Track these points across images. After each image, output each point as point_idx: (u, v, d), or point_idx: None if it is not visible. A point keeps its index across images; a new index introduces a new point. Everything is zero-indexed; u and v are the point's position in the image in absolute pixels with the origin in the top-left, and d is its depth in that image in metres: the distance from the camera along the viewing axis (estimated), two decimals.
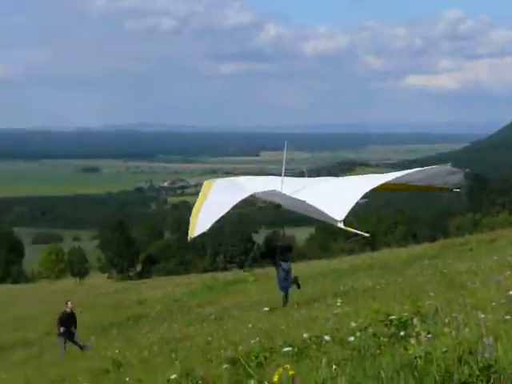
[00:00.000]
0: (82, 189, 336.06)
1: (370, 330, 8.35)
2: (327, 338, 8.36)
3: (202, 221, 18.61)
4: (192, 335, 19.03)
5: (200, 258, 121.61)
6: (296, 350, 8.54)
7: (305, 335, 8.89)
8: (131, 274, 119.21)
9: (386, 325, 8.28)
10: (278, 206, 21.01)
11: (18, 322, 37.36)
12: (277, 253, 20.98)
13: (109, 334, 25.46)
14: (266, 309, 18.76)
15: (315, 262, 50.24)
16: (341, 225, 18.22)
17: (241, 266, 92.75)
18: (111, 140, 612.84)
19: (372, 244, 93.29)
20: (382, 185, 20.78)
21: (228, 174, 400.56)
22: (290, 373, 4.77)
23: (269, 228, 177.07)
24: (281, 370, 4.57)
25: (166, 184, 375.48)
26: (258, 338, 11.20)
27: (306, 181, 22.14)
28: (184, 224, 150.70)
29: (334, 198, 18.98)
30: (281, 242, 21.50)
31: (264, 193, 20.26)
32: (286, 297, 21.32)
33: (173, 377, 7.44)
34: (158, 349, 17.03)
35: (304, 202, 18.59)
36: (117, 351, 17.78)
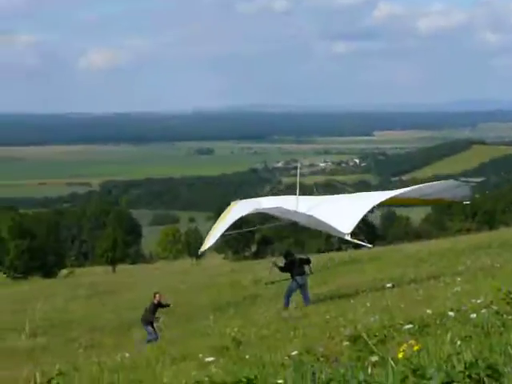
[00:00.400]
0: (197, 170, 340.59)
1: (493, 307, 8.22)
2: (451, 313, 8.27)
3: (211, 237, 21.52)
4: (309, 314, 19.11)
5: (314, 238, 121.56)
6: (416, 327, 8.49)
7: (428, 311, 8.81)
8: (246, 254, 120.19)
9: (507, 303, 8.14)
10: (295, 224, 23.15)
11: (136, 302, 38.18)
12: (295, 266, 22.12)
13: (226, 313, 25.80)
14: (389, 285, 18.86)
15: (432, 241, 49.58)
16: (348, 237, 20.15)
17: (355, 247, 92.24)
18: (225, 121, 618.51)
19: (490, 223, 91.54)
20: (392, 198, 23.36)
21: (341, 153, 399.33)
22: (415, 348, 4.74)
23: (381, 207, 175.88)
24: (405, 345, 4.55)
25: (279, 165, 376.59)
26: (377, 316, 11.17)
27: (320, 199, 24.51)
28: None
29: (344, 212, 20.85)
30: (300, 256, 22.76)
31: (270, 209, 22.67)
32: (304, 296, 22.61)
33: (294, 353, 7.50)
34: (276, 327, 17.17)
35: (311, 216, 20.57)
36: (235, 329, 18.00)
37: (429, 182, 24.29)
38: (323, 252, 79.64)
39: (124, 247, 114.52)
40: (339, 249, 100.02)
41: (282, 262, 23.00)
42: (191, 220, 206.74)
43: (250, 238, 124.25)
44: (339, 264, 42.02)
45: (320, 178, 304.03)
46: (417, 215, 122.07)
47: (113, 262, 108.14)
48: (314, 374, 5.84)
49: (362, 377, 4.99)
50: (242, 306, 27.60)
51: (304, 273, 22.44)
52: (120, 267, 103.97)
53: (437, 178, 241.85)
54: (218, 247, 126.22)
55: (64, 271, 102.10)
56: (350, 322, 11.96)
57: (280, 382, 5.70)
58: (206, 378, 5.70)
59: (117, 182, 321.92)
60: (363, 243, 20.83)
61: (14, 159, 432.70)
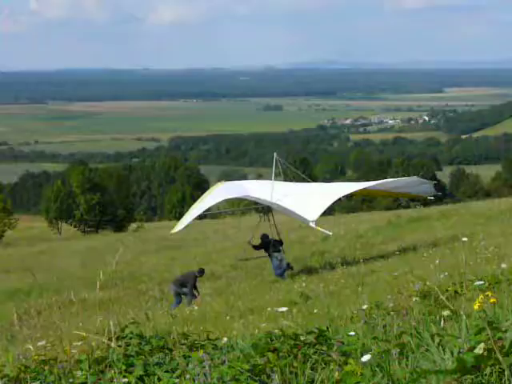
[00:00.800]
0: (266, 127, 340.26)
1: None
2: None
3: (188, 216, 24.51)
4: (377, 270, 19.09)
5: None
6: (487, 284, 8.42)
7: (499, 268, 8.72)
8: None
9: None
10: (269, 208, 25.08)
11: (205, 257, 38.57)
12: (270, 246, 24.08)
13: (294, 269, 25.86)
14: (459, 242, 18.76)
15: (502, 199, 48.84)
16: (313, 224, 22.11)
17: (424, 204, 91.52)
18: (294, 78, 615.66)
19: None
20: (361, 190, 25.96)
21: (411, 111, 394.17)
22: (492, 300, 4.69)
23: (452, 165, 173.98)
24: (481, 296, 4.50)
25: (348, 121, 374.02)
26: (446, 273, 11.09)
27: (293, 186, 26.35)
28: (366, 162, 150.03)
29: (311, 201, 22.91)
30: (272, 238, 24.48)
31: (247, 196, 25.49)
32: (289, 268, 24.23)
33: (364, 307, 7.51)
34: (344, 282, 17.21)
35: (279, 205, 23.21)
36: (303, 284, 18.08)
37: (499, 139, 24.93)
38: (390, 210, 79.22)
39: (192, 202, 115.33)
40: (407, 206, 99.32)
41: (257, 242, 24.73)
42: (259, 176, 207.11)
43: None
44: (407, 221, 41.71)
45: (388, 135, 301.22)
46: (487, 172, 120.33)
47: (181, 217, 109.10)
48: (384, 326, 5.86)
49: (434, 330, 4.99)
50: (309, 262, 27.65)
51: (280, 251, 24.38)
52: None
53: (507, 136, 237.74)
54: None
55: (133, 225, 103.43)
56: (419, 278, 11.90)
57: (351, 334, 5.73)
58: (277, 330, 5.74)
59: (186, 138, 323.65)
60: (325, 231, 22.68)
61: (89, 114, 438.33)
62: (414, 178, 28.17)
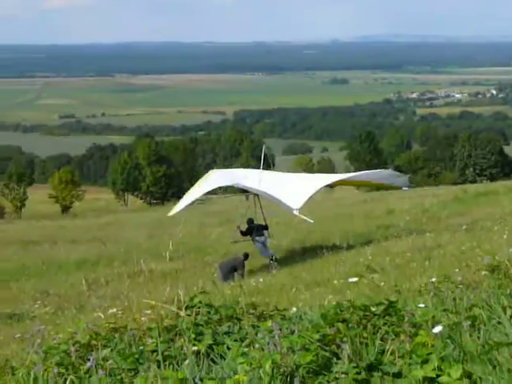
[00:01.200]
0: (331, 100, 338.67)
1: None
2: None
3: (183, 201, 26.47)
4: (444, 244, 18.92)
5: (449, 170, 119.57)
6: None
7: None
8: None
9: None
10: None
11: (271, 229, 38.60)
12: (253, 231, 25.56)
13: (359, 242, 25.79)
14: None
15: None
16: (296, 212, 23.40)
17: (491, 179, 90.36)
18: (361, 51, 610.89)
19: None
20: (341, 181, 28.61)
21: (478, 84, 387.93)
22: None
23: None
24: None
25: (414, 95, 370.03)
26: None
27: (281, 176, 28.59)
28: (432, 136, 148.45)
29: (295, 190, 24.33)
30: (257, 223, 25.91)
31: (238, 184, 26.89)
32: (272, 260, 24.65)
33: (433, 280, 7.45)
34: (411, 256, 17.10)
35: (265, 193, 24.52)
36: (369, 257, 18.02)
37: None
38: (456, 184, 78.39)
39: None
40: (474, 181, 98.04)
41: (244, 227, 25.92)
42: (324, 150, 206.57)
43: (382, 168, 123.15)
44: (474, 196, 41.23)
45: (455, 109, 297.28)
46: None
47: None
48: (454, 299, 5.81)
49: (505, 303, 4.93)
50: (375, 235, 27.51)
51: (262, 235, 25.84)
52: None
53: None
54: None
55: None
56: (487, 252, 11.76)
57: (421, 306, 5.71)
58: (345, 302, 5.73)
59: (251, 111, 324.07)
60: (307, 218, 23.37)
61: (155, 87, 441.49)
62: (391, 172, 31.11)
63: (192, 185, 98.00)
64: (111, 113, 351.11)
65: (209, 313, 6.21)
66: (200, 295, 6.58)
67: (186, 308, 6.19)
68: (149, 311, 6.58)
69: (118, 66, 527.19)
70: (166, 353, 5.56)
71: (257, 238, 25.76)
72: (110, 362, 5.51)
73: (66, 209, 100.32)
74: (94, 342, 6.12)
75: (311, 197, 24.63)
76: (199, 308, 6.28)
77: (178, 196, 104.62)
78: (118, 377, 5.39)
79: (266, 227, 26.47)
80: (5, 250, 40.94)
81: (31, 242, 44.23)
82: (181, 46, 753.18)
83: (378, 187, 31.04)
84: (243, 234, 26.10)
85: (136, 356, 5.58)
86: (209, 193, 27.38)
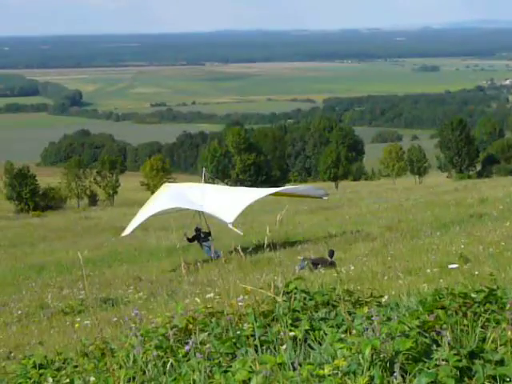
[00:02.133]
0: (422, 87, 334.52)
1: None
2: None
3: (131, 224, 28.86)
4: None
5: None
6: None
7: None
8: (471, 173, 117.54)
9: None
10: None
11: (360, 217, 38.44)
12: (199, 238, 28.56)
13: (451, 231, 25.45)
14: None
15: None
16: (230, 226, 26.94)
17: None
18: (452, 38, 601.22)
19: None
20: (272, 194, 33.32)
21: None
22: None
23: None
24: None
25: (507, 82, 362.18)
26: None
27: (215, 190, 31.52)
28: None
29: (228, 205, 27.69)
30: (203, 230, 28.77)
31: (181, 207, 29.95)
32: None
33: None
34: (505, 246, 16.78)
35: (204, 211, 28.39)
36: (462, 246, 17.77)
37: None
38: None
39: (346, 164, 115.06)
40: None
41: (191, 234, 28.82)
42: (414, 137, 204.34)
43: (474, 157, 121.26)
44: None
45: None
46: None
47: (335, 178, 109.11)
48: None
49: None
50: (467, 224, 27.08)
51: (208, 240, 28.41)
52: (342, 183, 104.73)
53: None
54: (442, 166, 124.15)
55: (288, 186, 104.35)
56: None
57: None
58: (443, 289, 5.68)
59: (340, 99, 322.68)
60: (238, 231, 26.71)
61: (245, 75, 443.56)
62: (310, 186, 39.00)
63: (282, 172, 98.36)
64: (201, 101, 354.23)
65: (305, 299, 6.23)
66: (296, 281, 6.61)
67: (282, 294, 6.23)
68: (245, 297, 6.63)
69: (209, 55, 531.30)
70: (262, 338, 5.60)
71: (204, 243, 28.65)
72: (208, 346, 5.58)
73: None
74: (191, 326, 6.21)
75: (243, 210, 28.40)
76: (295, 294, 6.31)
77: (267, 184, 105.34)
78: (216, 361, 5.46)
79: (209, 233, 29.18)
80: (98, 236, 41.82)
81: (123, 229, 45.03)
82: (271, 34, 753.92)
83: (305, 197, 36.48)
84: (189, 240, 29.07)
85: (233, 340, 5.64)
86: None
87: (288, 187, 36.05)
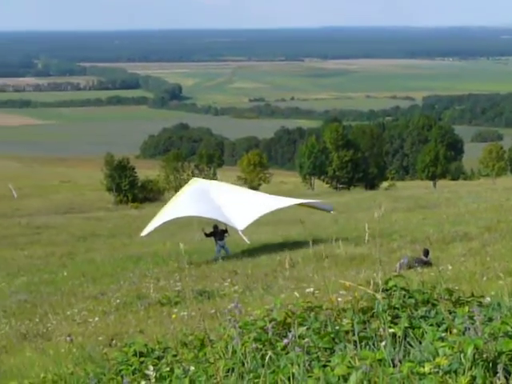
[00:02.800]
0: None
1: None
2: None
3: (152, 224, 30.52)
4: None
5: None
6: None
7: None
8: None
9: None
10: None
11: (458, 217, 37.89)
12: (216, 234, 30.24)
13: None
14: None
15: None
16: (241, 233, 28.82)
17: None
18: None
19: None
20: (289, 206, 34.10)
21: None
22: None
23: None
24: None
25: None
26: None
27: (232, 195, 31.58)
28: None
29: (242, 211, 29.32)
30: (221, 228, 30.13)
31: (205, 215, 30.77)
32: (225, 251, 30.09)
33: None
34: None
35: (217, 219, 29.65)
36: None
37: None
38: None
39: (445, 163, 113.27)
40: None
41: (208, 230, 30.36)
42: None
43: None
44: None
45: None
46: None
47: (433, 177, 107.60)
48: None
49: None
50: None
51: (223, 239, 30.29)
52: (440, 182, 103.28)
53: None
54: None
55: (385, 183, 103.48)
56: None
57: None
58: None
59: (440, 97, 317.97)
60: (246, 239, 28.88)
61: (344, 72, 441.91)
62: (318, 201, 41.20)
63: (379, 170, 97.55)
64: (300, 97, 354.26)
65: (404, 296, 6.20)
66: (395, 279, 6.58)
67: (382, 291, 6.21)
68: (343, 292, 6.64)
69: (309, 51, 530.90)
70: (361, 334, 5.61)
71: (219, 241, 30.43)
72: (306, 340, 5.61)
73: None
74: (289, 320, 6.25)
75: (257, 219, 30.13)
76: (394, 291, 6.28)
77: (364, 181, 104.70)
78: (315, 355, 5.49)
79: (226, 231, 30.58)
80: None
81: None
82: (372, 31, 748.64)
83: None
84: (207, 235, 30.59)
85: (332, 335, 5.66)
86: None
87: (304, 200, 38.14)
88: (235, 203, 30.13)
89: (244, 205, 30.20)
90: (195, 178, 34.79)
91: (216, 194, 31.16)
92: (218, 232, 30.53)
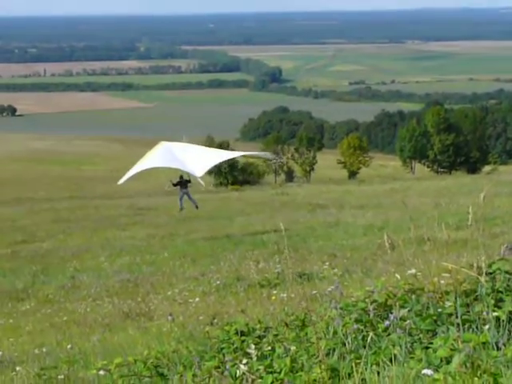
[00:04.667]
0: None
1: None
2: None
3: (127, 174, 34.15)
4: None
5: None
6: None
7: None
8: None
9: None
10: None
11: None
12: (181, 184, 35.49)
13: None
14: None
15: None
16: (200, 180, 34.15)
17: None
18: None
19: None
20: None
21: None
22: None
23: None
24: None
25: None
26: None
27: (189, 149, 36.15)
28: None
29: (199, 161, 33.92)
30: (185, 178, 35.31)
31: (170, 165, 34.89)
32: (197, 206, 37.03)
33: None
34: None
35: (179, 168, 34.12)
36: None
37: None
38: None
39: None
40: None
41: (176, 180, 35.54)
42: None
43: None
44: None
45: None
46: None
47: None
48: None
49: None
50: None
51: (187, 187, 35.78)
52: None
53: None
54: None
55: (487, 168, 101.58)
56: None
57: None
58: None
59: None
60: (202, 183, 34.90)
61: (447, 54, 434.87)
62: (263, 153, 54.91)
63: (482, 154, 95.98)
64: (401, 80, 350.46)
65: (508, 280, 6.11)
66: (499, 262, 6.48)
67: (485, 274, 6.13)
68: (447, 275, 6.58)
69: (411, 33, 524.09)
70: (464, 316, 5.56)
71: (183, 189, 35.80)
72: (408, 322, 5.59)
73: (352, 174, 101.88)
74: (390, 301, 6.24)
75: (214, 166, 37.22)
76: (498, 274, 6.19)
77: (466, 165, 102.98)
78: (416, 337, 5.47)
79: (189, 181, 35.66)
80: (293, 212, 42.39)
81: (319, 206, 45.42)
82: (476, 12, 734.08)
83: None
84: (174, 185, 35.78)
85: (434, 318, 5.62)
86: None
87: (261, 152, 49.01)
88: (194, 156, 34.85)
89: (200, 156, 35.16)
90: (162, 142, 38.19)
91: (178, 150, 35.66)
92: (183, 182, 35.77)
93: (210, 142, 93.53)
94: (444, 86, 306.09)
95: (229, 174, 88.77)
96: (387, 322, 5.65)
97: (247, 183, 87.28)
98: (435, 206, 39.89)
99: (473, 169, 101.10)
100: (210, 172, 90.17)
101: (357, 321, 5.91)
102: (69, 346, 10.46)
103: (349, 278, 17.31)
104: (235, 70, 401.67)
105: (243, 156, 43.18)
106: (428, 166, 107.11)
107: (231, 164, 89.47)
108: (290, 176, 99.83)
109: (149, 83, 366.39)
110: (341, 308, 6.33)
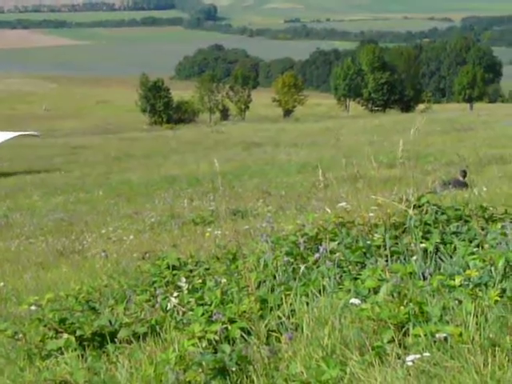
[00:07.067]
0: None
1: None
2: None
3: None
4: None
5: None
6: None
7: None
8: None
9: None
10: None
11: (494, 140, 37.48)
12: None
13: None
14: None
15: None
16: None
17: None
18: None
19: None
20: None
21: None
22: None
23: None
24: None
25: None
26: None
27: None
28: None
29: None
30: None
31: None
32: None
33: None
34: None
35: None
36: None
37: None
38: None
39: (482, 85, 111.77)
40: None
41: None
42: None
43: None
44: None
45: None
46: None
47: (470, 100, 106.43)
48: None
49: None
50: None
51: None
52: (477, 105, 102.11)
53: None
54: None
55: (421, 106, 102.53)
56: None
57: None
58: None
59: (479, 18, 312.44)
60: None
61: None
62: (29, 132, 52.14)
63: (415, 92, 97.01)
64: (336, 18, 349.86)
65: (436, 213, 6.18)
66: (428, 195, 6.56)
67: (414, 207, 6.20)
68: (376, 208, 6.63)
69: None
70: (392, 248, 5.62)
71: None
72: (338, 254, 5.64)
73: (287, 113, 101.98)
74: (321, 235, 6.28)
75: None
76: (427, 208, 6.26)
77: (400, 104, 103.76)
78: (346, 268, 5.53)
79: None
80: (228, 150, 42.37)
81: (254, 144, 45.48)
82: None
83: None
84: None
85: (363, 250, 5.68)
86: None
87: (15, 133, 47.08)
88: None
89: None
90: None
91: None
92: None
93: (144, 80, 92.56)
94: (378, 25, 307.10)
95: (163, 113, 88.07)
96: (317, 255, 5.69)
97: (182, 122, 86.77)
98: (369, 144, 40.22)
99: (407, 107, 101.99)
100: (143, 110, 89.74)
101: (287, 254, 5.94)
102: (1, 284, 10.38)
103: (283, 215, 17.38)
104: (169, 8, 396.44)
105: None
106: (362, 105, 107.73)
107: (165, 102, 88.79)
108: (225, 114, 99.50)
109: (82, 20, 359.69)
110: (272, 241, 6.35)
